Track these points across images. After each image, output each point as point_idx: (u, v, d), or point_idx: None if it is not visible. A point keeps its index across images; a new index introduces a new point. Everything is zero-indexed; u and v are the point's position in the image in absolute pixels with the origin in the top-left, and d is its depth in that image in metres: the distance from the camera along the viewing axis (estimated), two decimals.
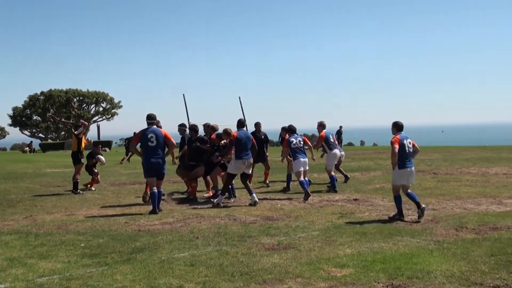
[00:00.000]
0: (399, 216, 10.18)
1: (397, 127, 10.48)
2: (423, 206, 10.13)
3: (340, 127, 37.06)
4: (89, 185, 16.79)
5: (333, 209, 11.51)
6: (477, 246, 7.80)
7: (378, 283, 6.09)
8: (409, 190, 10.33)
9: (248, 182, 12.75)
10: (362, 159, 27.58)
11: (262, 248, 7.89)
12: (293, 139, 13.99)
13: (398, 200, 10.30)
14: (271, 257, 7.32)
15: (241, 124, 13.05)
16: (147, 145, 11.65)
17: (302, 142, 14.07)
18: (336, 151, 15.43)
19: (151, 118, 11.85)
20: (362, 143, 77.67)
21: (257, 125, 16.74)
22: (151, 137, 11.62)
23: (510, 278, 6.20)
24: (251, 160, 12.73)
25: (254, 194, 12.51)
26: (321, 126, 15.47)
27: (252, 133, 16.49)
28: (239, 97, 29.26)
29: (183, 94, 27.05)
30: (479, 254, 7.28)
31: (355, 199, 12.90)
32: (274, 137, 29.93)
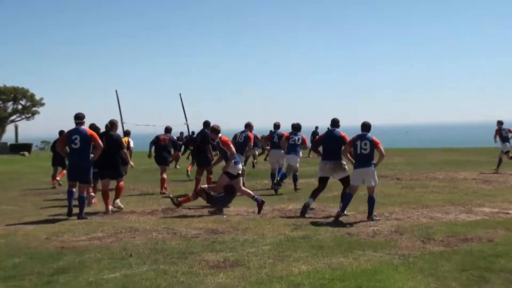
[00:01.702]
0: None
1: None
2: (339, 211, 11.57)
3: (316, 127, 37.51)
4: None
5: (285, 220, 11.50)
6: (446, 260, 7.90)
7: None
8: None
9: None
10: (318, 163, 27.78)
11: (206, 266, 7.80)
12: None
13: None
14: (216, 276, 7.23)
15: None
16: (71, 147, 12.38)
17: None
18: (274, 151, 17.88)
19: (78, 118, 12.44)
20: None
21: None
22: (75, 138, 12.29)
23: None
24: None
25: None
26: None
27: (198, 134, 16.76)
28: (180, 94, 29.16)
29: (180, 94, 28.82)
30: (449, 269, 7.38)
31: (311, 209, 12.92)
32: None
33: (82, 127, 12.43)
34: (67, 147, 12.67)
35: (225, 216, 12.20)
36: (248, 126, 16.85)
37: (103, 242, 9.66)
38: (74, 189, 12.49)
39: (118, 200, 13.59)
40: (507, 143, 22.42)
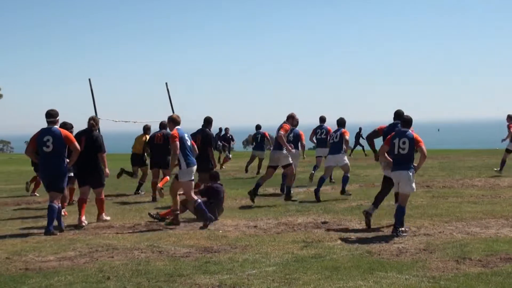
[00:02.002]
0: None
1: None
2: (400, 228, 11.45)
3: (360, 128, 38.48)
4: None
5: (294, 236, 11.55)
6: (484, 283, 7.96)
7: None
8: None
9: None
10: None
11: None
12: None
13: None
14: None
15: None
16: (42, 151, 12.47)
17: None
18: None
19: (50, 116, 12.60)
20: None
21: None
22: (47, 140, 12.38)
23: None
24: None
25: None
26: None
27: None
28: (166, 83, 29.33)
29: (166, 83, 29.58)
30: None
31: (324, 222, 12.98)
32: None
33: (55, 126, 12.58)
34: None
35: (220, 231, 12.26)
36: (291, 118, 17.22)
37: (75, 262, 9.71)
38: (55, 203, 12.52)
39: (103, 215, 13.91)
40: None
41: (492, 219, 12.91)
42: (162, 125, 18.12)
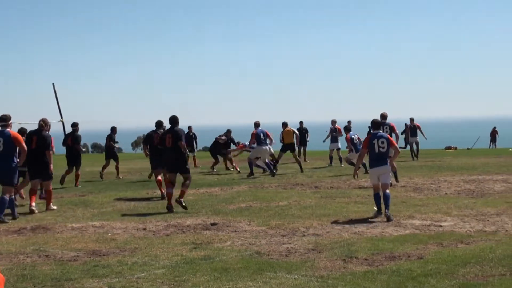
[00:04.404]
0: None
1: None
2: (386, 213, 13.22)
3: (301, 122, 38.00)
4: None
5: (183, 238, 11.59)
6: (370, 281, 8.22)
7: None
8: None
9: None
10: (224, 169, 27.87)
11: None
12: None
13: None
14: None
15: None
16: None
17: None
18: (263, 147, 24.31)
19: (2, 120, 14.12)
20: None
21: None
22: None
23: None
24: None
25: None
26: (256, 125, 24.61)
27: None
28: (53, 84, 28.76)
29: (53, 84, 29.38)
30: None
31: (213, 224, 13.05)
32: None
33: (7, 129, 14.10)
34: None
35: (109, 234, 12.17)
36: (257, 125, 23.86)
37: None
38: (6, 196, 13.99)
39: (51, 204, 15.79)
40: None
41: (377, 219, 13.30)
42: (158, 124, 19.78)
